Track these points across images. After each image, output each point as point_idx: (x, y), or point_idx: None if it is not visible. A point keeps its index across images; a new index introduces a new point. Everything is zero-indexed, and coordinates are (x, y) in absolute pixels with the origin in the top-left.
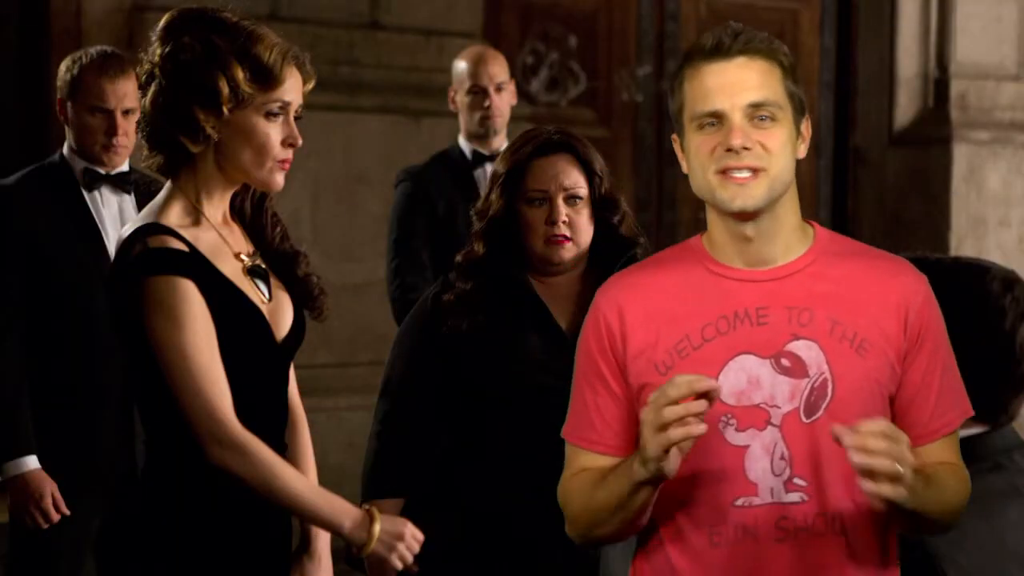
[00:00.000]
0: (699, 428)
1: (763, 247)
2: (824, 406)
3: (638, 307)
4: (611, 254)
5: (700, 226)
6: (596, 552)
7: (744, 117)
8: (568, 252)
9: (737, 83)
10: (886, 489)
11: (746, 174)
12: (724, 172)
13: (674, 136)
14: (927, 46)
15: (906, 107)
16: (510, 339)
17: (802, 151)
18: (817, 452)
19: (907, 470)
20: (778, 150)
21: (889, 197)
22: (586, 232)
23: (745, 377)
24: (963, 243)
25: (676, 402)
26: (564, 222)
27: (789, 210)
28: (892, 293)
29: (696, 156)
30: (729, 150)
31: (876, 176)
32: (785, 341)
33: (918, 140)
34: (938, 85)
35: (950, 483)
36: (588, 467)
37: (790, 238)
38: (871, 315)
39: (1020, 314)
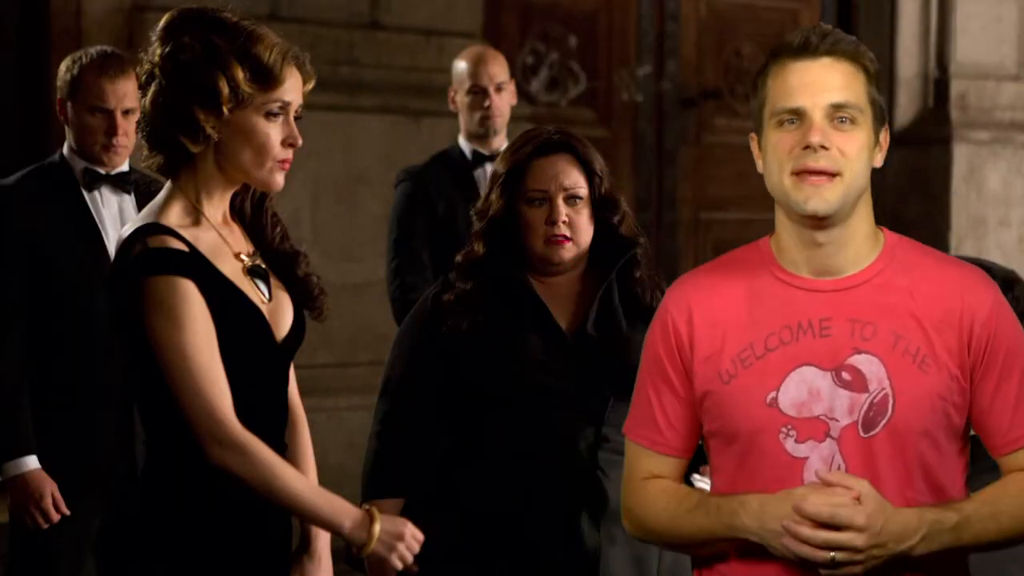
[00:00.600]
0: (826, 556)
1: (832, 255)
2: (883, 422)
3: (706, 312)
4: (611, 254)
5: (700, 226)
6: (596, 552)
7: (824, 117)
8: (568, 252)
9: (820, 82)
10: None
11: (822, 177)
12: (799, 174)
13: (751, 135)
14: (927, 46)
15: (906, 107)
16: (510, 339)
17: (879, 160)
18: (873, 467)
19: (849, 555)
20: (855, 155)
21: (889, 197)
22: (586, 232)
23: (806, 389)
24: (963, 243)
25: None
26: (564, 222)
27: (863, 218)
28: (957, 307)
29: (773, 153)
30: (807, 147)
31: (876, 176)
32: (847, 354)
33: (918, 140)
34: (938, 85)
35: (1012, 503)
36: (657, 473)
37: (861, 247)
38: (934, 329)
39: (1020, 314)
